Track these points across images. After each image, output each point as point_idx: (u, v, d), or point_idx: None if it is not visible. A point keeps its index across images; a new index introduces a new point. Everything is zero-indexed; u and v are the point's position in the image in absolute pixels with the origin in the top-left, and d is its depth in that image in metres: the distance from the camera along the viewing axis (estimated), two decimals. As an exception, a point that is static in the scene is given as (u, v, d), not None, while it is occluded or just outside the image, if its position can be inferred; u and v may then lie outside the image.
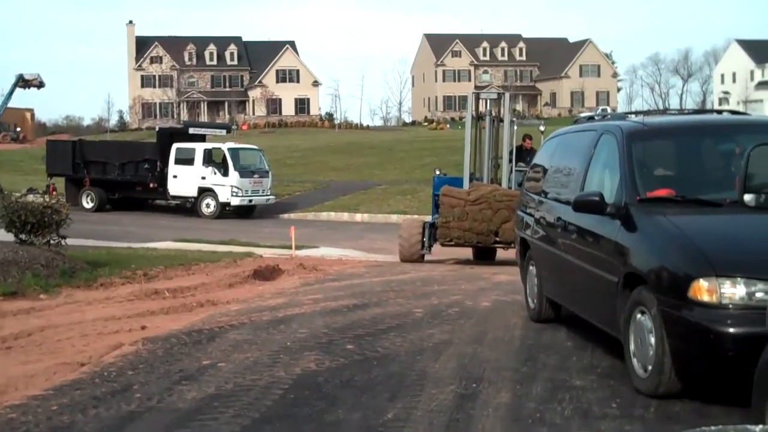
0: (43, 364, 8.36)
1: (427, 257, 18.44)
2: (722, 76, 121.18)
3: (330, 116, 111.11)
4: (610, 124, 8.79)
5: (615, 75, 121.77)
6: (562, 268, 8.99)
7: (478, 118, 19.91)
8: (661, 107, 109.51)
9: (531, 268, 10.25)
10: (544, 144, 11.08)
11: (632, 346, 7.02)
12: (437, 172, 20.42)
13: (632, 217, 7.33)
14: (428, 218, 19.22)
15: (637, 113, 9.33)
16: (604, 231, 7.71)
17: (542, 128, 20.68)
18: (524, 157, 20.27)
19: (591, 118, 10.19)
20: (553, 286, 9.55)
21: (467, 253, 18.96)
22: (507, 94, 20.31)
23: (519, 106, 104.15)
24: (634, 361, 6.98)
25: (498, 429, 6.04)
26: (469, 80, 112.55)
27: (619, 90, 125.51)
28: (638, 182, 7.62)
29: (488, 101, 19.76)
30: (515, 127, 20.91)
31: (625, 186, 7.63)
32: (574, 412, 6.41)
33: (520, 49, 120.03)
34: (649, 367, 6.70)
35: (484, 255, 18.73)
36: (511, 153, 19.67)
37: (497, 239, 17.42)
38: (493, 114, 19.58)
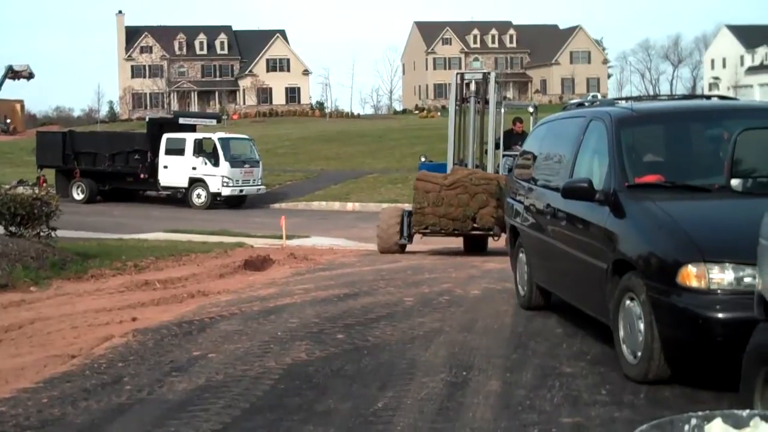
0: (33, 356, 8.34)
1: (410, 247, 17.54)
2: (712, 61, 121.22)
3: (321, 105, 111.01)
4: (599, 111, 8.79)
5: (605, 61, 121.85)
6: (552, 255, 9.00)
7: (463, 100, 19.06)
8: (651, 93, 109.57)
9: (521, 255, 10.25)
10: (534, 131, 11.08)
11: (622, 333, 7.03)
12: (423, 159, 19.81)
13: (621, 203, 7.33)
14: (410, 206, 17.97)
15: (627, 99, 9.32)
16: (593, 217, 7.71)
17: (531, 109, 20.02)
18: (515, 141, 19.41)
19: (580, 105, 10.19)
20: (542, 274, 9.55)
21: (456, 242, 18.31)
22: (493, 74, 19.45)
23: (510, 94, 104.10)
24: (624, 347, 6.98)
25: (488, 416, 6.05)
26: (460, 68, 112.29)
27: (609, 76, 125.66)
28: (627, 168, 7.62)
29: (473, 83, 18.96)
30: (503, 110, 20.23)
31: (613, 172, 7.62)
32: (564, 399, 6.42)
33: (511, 36, 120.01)
34: (639, 354, 6.71)
35: (474, 245, 17.75)
36: (498, 138, 19.04)
37: (475, 225, 16.37)
38: (479, 96, 18.79)
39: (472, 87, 18.83)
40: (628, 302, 6.89)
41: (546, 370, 7.22)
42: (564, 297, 9.07)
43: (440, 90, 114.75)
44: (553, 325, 9.10)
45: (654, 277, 6.59)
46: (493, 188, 16.06)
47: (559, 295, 9.26)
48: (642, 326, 6.65)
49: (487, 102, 18.80)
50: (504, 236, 15.81)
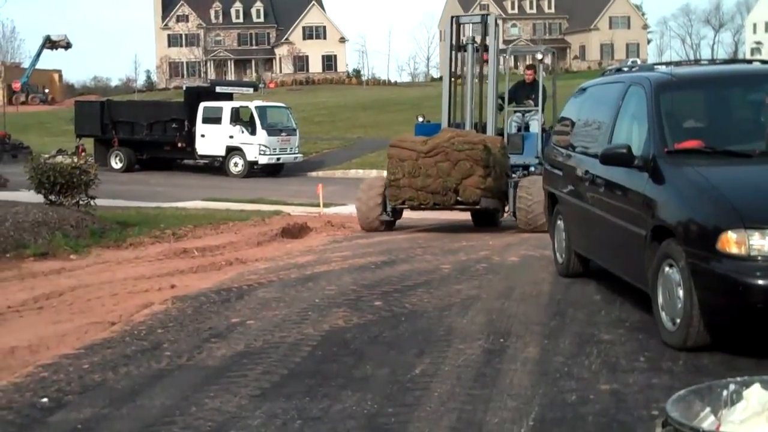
0: (74, 323, 8.44)
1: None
2: (754, 25, 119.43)
3: (357, 73, 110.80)
4: (638, 76, 8.68)
5: (645, 27, 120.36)
6: (590, 222, 8.94)
7: (459, 49, 16.70)
8: (692, 58, 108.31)
9: (559, 222, 10.20)
10: (572, 97, 10.96)
11: (660, 300, 6.98)
12: (420, 119, 17.80)
13: (660, 169, 7.25)
14: None
15: (668, 64, 9.20)
16: (632, 184, 7.64)
17: (540, 56, 17.93)
18: (527, 94, 17.37)
19: (619, 70, 10.07)
20: (581, 241, 9.49)
21: (466, 214, 16.30)
22: (493, 16, 16.74)
23: (548, 60, 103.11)
24: (663, 314, 6.94)
25: (526, 383, 6.04)
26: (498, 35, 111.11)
27: (649, 42, 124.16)
28: (666, 134, 7.53)
29: (471, 28, 16.81)
30: (507, 56, 18.53)
31: (653, 138, 7.54)
32: (602, 365, 6.39)
33: (549, 2, 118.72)
34: (678, 320, 6.66)
35: (484, 219, 15.78)
36: (503, 92, 16.94)
37: (458, 199, 14.11)
38: (476, 44, 16.56)
39: (470, 32, 16.76)
40: (667, 269, 6.83)
41: (584, 337, 7.20)
42: (602, 264, 9.02)
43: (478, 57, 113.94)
44: (591, 292, 9.06)
45: (693, 243, 6.53)
46: (478, 154, 13.92)
47: (598, 262, 9.20)
48: (681, 293, 6.60)
49: (487, 50, 16.50)
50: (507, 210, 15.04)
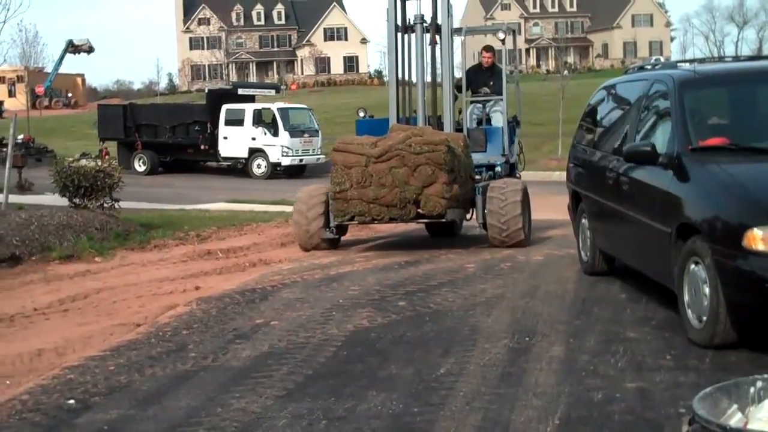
0: (99, 325, 8.50)
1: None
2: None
3: (379, 74, 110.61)
4: (661, 73, 8.65)
5: (668, 24, 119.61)
6: (615, 221, 8.90)
7: (406, 30, 14.02)
8: (715, 56, 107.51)
9: (583, 221, 10.16)
10: (595, 94, 10.92)
11: (686, 297, 6.94)
12: (361, 114, 15.04)
13: (685, 166, 7.21)
14: None
15: (691, 61, 9.14)
16: (657, 181, 7.60)
17: (502, 35, 14.52)
18: (484, 80, 14.73)
19: (642, 68, 10.03)
20: (605, 239, 9.45)
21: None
22: None
23: (570, 59, 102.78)
24: (689, 312, 6.90)
25: (551, 382, 6.02)
26: (520, 33, 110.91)
27: (672, 40, 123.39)
28: (691, 131, 7.49)
29: (419, 4, 13.87)
30: (463, 38, 15.44)
31: (677, 135, 7.50)
32: (628, 364, 6.36)
33: (571, 0, 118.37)
34: (704, 318, 6.62)
35: (439, 229, 13.77)
36: (459, 80, 14.50)
37: (420, 211, 11.89)
38: (426, 23, 13.89)
39: (418, 10, 13.93)
40: (692, 266, 6.79)
41: (610, 336, 7.17)
42: (627, 262, 8.98)
43: (500, 56, 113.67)
44: (616, 290, 9.02)
45: (719, 240, 6.49)
46: (440, 156, 11.64)
47: (623, 261, 9.17)
48: (707, 290, 6.56)
49: (438, 30, 13.88)
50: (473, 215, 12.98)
